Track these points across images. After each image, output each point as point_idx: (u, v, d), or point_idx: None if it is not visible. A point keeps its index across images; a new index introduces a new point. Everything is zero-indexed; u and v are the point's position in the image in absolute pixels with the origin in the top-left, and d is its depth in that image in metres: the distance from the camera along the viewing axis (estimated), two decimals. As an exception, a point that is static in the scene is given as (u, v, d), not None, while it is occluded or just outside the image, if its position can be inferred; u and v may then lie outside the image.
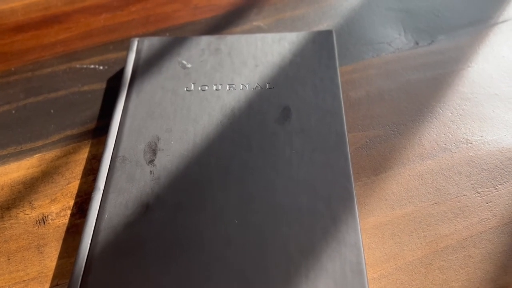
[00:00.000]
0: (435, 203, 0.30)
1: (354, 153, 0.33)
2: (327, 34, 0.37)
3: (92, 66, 0.39)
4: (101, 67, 0.39)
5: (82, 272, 0.26)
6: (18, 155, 0.34)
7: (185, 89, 0.34)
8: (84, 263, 0.27)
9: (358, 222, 0.27)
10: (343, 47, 0.40)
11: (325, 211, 0.28)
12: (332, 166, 0.30)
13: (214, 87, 0.34)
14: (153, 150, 0.31)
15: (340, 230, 0.27)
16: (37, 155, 0.34)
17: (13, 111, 0.36)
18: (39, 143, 0.34)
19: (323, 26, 0.41)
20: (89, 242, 0.27)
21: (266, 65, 0.35)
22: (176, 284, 0.26)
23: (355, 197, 0.28)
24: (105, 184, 0.30)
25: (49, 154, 0.34)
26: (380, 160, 0.32)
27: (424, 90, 0.36)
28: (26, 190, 0.32)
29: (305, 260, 0.26)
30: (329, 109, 0.33)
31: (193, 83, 0.35)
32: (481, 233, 0.29)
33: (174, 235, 0.27)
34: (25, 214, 0.31)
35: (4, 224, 0.30)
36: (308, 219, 0.28)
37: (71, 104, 0.37)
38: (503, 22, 0.41)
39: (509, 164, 0.32)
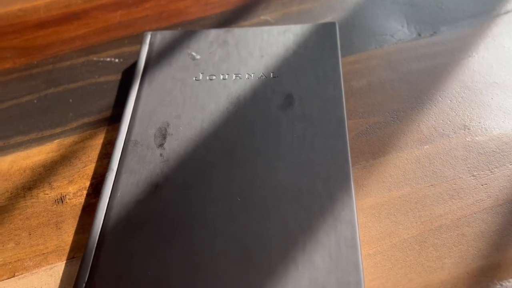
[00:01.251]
0: (431, 185, 0.31)
1: (354, 139, 0.34)
2: (330, 26, 0.39)
3: (108, 59, 0.42)
4: (116, 60, 0.41)
5: (95, 245, 0.28)
6: (40, 141, 0.36)
7: (194, 78, 0.36)
8: (97, 237, 0.29)
9: (354, 200, 0.29)
10: (347, 39, 0.41)
11: (323, 190, 0.29)
12: (331, 149, 0.31)
13: (221, 77, 0.36)
14: (163, 135, 0.33)
15: (336, 207, 0.29)
16: (56, 140, 0.36)
17: (35, 101, 0.39)
18: (59, 129, 0.37)
19: (328, 19, 0.43)
20: (103, 218, 0.30)
21: (271, 56, 0.37)
22: (181, 257, 0.28)
23: (351, 177, 0.30)
24: (118, 166, 0.32)
25: (68, 140, 0.36)
26: (379, 145, 0.34)
27: (425, 79, 0.37)
28: (46, 172, 0.34)
29: (303, 235, 0.28)
30: (330, 96, 0.34)
31: (201, 73, 0.37)
32: (475, 213, 0.30)
33: (181, 212, 0.29)
34: (45, 194, 0.33)
35: (26, 203, 0.33)
36: (306, 198, 0.29)
37: (88, 94, 0.39)
38: (505, 13, 0.41)
39: (506, 149, 0.33)
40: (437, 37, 0.40)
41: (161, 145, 0.33)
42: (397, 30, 0.41)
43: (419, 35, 0.41)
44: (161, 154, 0.32)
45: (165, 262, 0.27)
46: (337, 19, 0.43)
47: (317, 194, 0.29)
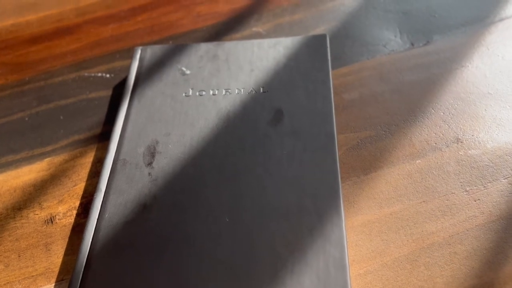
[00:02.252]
0: (423, 201, 0.31)
1: (345, 154, 0.34)
2: (321, 38, 0.38)
3: (99, 74, 0.41)
4: (107, 75, 0.41)
5: (83, 268, 0.28)
6: (30, 159, 0.36)
7: (183, 94, 0.36)
8: (85, 259, 0.29)
9: (343, 219, 0.28)
10: (339, 50, 0.41)
11: (312, 208, 0.29)
12: (320, 165, 0.31)
13: (211, 92, 0.36)
14: (151, 153, 0.33)
15: (325, 227, 0.28)
16: (47, 159, 0.36)
17: (27, 118, 0.39)
18: (49, 147, 0.37)
19: (320, 30, 0.43)
20: (90, 239, 0.29)
21: (261, 70, 0.37)
22: (169, 278, 0.27)
23: (341, 195, 0.29)
24: (106, 186, 0.32)
25: (58, 158, 0.36)
26: (371, 160, 0.33)
27: (418, 90, 0.37)
28: (36, 192, 0.34)
29: (291, 256, 0.27)
30: (320, 111, 0.34)
31: (191, 89, 0.36)
32: (467, 230, 0.30)
33: (169, 232, 0.29)
34: (35, 214, 0.33)
35: (15, 223, 0.33)
36: (295, 216, 0.29)
37: (79, 110, 0.39)
38: (499, 20, 0.41)
39: (499, 162, 0.32)
40: (430, 47, 0.40)
41: (149, 164, 0.32)
42: (390, 40, 0.41)
43: (412, 44, 0.40)
44: (149, 173, 0.32)
45: (153, 284, 0.27)
46: (329, 29, 0.43)
47: (306, 212, 0.29)
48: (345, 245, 0.27)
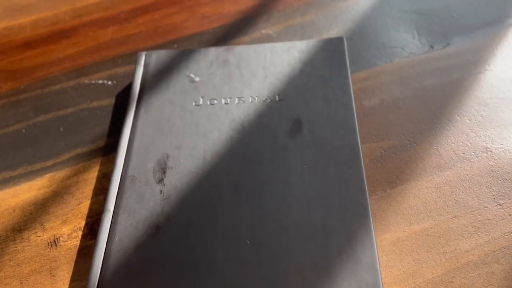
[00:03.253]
0: (455, 217, 0.29)
1: (368, 165, 0.32)
2: (337, 41, 0.36)
3: (100, 82, 0.39)
4: (109, 82, 0.39)
5: (93, 297, 0.26)
6: (29, 176, 0.34)
7: (193, 103, 0.34)
8: (95, 287, 0.26)
9: (375, 240, 0.26)
10: (355, 52, 0.39)
11: (340, 229, 0.27)
12: (346, 181, 0.29)
13: (223, 101, 0.34)
14: (162, 169, 0.31)
15: (355, 249, 0.26)
16: (47, 174, 0.33)
17: (23, 130, 0.36)
18: (49, 162, 0.34)
19: (334, 32, 0.40)
20: (100, 265, 0.27)
21: (275, 76, 0.35)
22: (188, 309, 0.25)
23: (370, 213, 0.27)
24: (115, 205, 0.29)
25: (60, 174, 0.33)
26: (396, 172, 0.31)
27: (440, 96, 0.35)
28: (38, 211, 0.32)
29: (320, 281, 0.25)
30: (342, 120, 0.32)
31: (201, 97, 0.34)
32: (504, 248, 0.28)
33: (185, 256, 0.27)
34: (36, 236, 0.31)
35: (16, 247, 0.30)
36: (322, 237, 0.27)
37: (80, 121, 0.36)
38: (522, 21, 0.39)
39: (532, 173, 0.30)
40: (451, 49, 0.38)
41: (161, 181, 0.30)
42: (408, 42, 0.39)
43: (432, 47, 0.38)
44: (161, 191, 0.30)
45: (170, 315, 0.25)
46: (344, 31, 0.40)
47: (334, 233, 0.27)
48: (378, 269, 0.25)
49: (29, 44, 0.43)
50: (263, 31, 0.41)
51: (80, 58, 0.41)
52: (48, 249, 0.30)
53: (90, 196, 0.32)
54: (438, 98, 0.35)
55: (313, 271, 0.26)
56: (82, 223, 0.31)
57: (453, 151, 0.32)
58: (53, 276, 0.29)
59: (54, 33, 0.43)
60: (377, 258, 0.26)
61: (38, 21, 0.44)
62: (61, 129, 0.36)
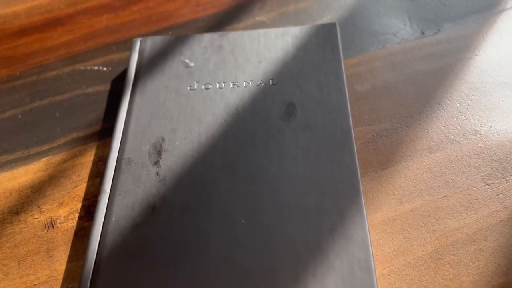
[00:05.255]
0: (444, 197, 0.30)
1: (360, 148, 0.32)
2: (330, 27, 0.36)
3: (96, 68, 0.39)
4: (104, 68, 0.39)
5: (90, 276, 0.26)
6: (26, 160, 0.34)
7: (188, 88, 0.34)
8: (92, 267, 0.27)
9: (366, 219, 0.27)
10: (347, 39, 0.39)
11: (332, 208, 0.28)
12: (338, 162, 0.29)
13: (218, 85, 0.34)
14: (158, 151, 0.31)
15: (347, 227, 0.27)
16: (44, 159, 0.34)
17: (20, 116, 0.37)
18: (46, 146, 0.34)
19: (327, 19, 0.41)
20: (97, 245, 0.28)
21: (269, 61, 0.35)
22: (183, 285, 0.26)
23: (362, 193, 0.28)
24: (111, 187, 0.30)
25: (56, 158, 0.34)
26: (387, 154, 0.32)
27: (431, 81, 0.36)
28: (34, 194, 0.32)
29: (313, 258, 0.26)
30: (334, 104, 0.32)
31: (196, 82, 0.34)
32: (491, 226, 0.29)
33: (181, 236, 0.27)
34: (33, 218, 0.31)
35: (13, 229, 0.31)
36: (315, 217, 0.27)
37: (76, 106, 0.37)
38: (511, 8, 0.40)
39: (520, 155, 0.31)
40: (441, 35, 0.39)
41: (156, 163, 0.31)
42: (400, 28, 0.39)
43: (423, 33, 0.39)
44: (157, 173, 0.30)
45: (167, 292, 0.26)
46: (336, 18, 0.41)
47: (326, 212, 0.27)
48: (370, 246, 0.26)
49: (24, 31, 0.43)
50: (257, 18, 0.41)
51: (75, 45, 0.41)
52: (45, 231, 0.30)
53: (86, 179, 0.32)
54: (429, 83, 0.36)
55: (306, 249, 0.26)
56: (79, 205, 0.31)
57: (443, 133, 0.33)
58: (50, 256, 0.29)
59: (49, 20, 0.43)
60: (369, 236, 0.26)
61: (32, 9, 0.45)
62: (57, 114, 0.36)
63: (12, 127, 0.36)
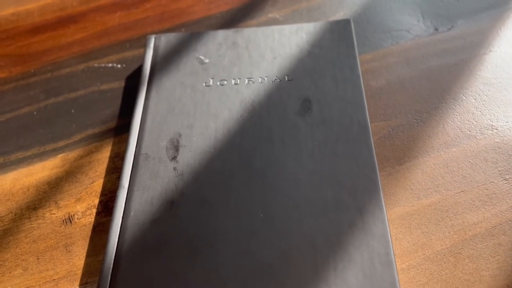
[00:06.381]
0: (462, 191, 0.30)
1: (377, 143, 0.33)
2: (345, 23, 0.36)
3: (110, 65, 0.39)
4: (118, 66, 0.39)
5: (111, 270, 0.27)
6: (42, 156, 0.34)
7: (204, 84, 0.34)
8: (112, 261, 0.27)
9: (385, 213, 0.27)
10: (361, 35, 0.39)
11: (351, 203, 0.28)
12: (356, 157, 0.29)
13: (233, 81, 0.34)
14: (175, 147, 0.31)
15: (367, 221, 0.27)
16: (60, 155, 0.34)
17: (35, 112, 0.37)
18: (62, 143, 0.35)
19: (340, 15, 0.41)
20: (116, 240, 0.28)
21: (284, 57, 0.35)
22: (203, 279, 0.26)
23: (380, 188, 0.28)
24: (129, 182, 0.30)
25: (72, 154, 0.34)
26: (404, 149, 0.32)
27: (446, 76, 0.36)
28: (52, 190, 0.32)
29: (333, 252, 0.26)
30: (350, 99, 0.32)
31: (211, 78, 0.35)
32: (510, 220, 0.28)
33: (200, 230, 0.27)
34: (51, 214, 0.31)
35: (31, 224, 0.31)
36: (333, 211, 0.27)
37: (91, 103, 0.37)
38: (525, 3, 0.40)
39: (537, 149, 0.31)
40: (455, 31, 0.39)
41: (174, 158, 0.31)
42: (413, 25, 0.39)
43: (436, 29, 0.39)
44: (174, 168, 0.30)
45: (186, 285, 0.26)
46: (350, 14, 0.41)
47: (345, 207, 0.27)
48: (390, 240, 0.26)
49: (37, 29, 0.43)
50: (270, 15, 0.42)
51: (88, 42, 0.41)
52: (63, 226, 0.30)
53: (103, 175, 0.33)
54: (444, 78, 0.36)
55: (325, 243, 0.26)
56: (96, 201, 0.31)
57: (459, 129, 0.33)
58: (69, 251, 0.29)
59: (62, 18, 0.44)
60: (388, 230, 0.26)
61: (45, 7, 0.45)
62: (72, 111, 0.36)
63: (28, 124, 0.36)
